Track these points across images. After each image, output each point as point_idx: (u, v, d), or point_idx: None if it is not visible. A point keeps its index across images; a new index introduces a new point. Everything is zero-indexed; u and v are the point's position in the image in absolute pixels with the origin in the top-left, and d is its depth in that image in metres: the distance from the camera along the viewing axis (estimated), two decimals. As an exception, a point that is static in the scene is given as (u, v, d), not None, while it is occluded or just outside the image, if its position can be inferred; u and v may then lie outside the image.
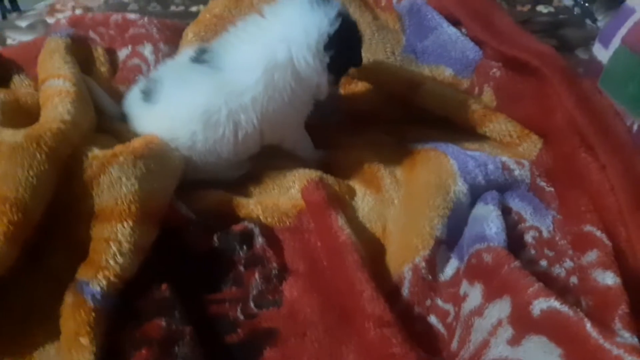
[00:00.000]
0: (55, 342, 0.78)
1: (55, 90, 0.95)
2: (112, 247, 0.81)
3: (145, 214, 0.85)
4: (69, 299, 0.78)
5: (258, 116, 0.99)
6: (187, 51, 1.08)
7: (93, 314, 0.76)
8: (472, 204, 0.98)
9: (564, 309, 0.71)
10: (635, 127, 1.01)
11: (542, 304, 0.73)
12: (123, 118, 1.05)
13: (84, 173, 0.85)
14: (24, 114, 0.96)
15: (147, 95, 1.02)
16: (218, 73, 0.97)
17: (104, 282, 0.78)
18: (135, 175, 0.85)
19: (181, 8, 1.56)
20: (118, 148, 0.87)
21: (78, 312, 0.76)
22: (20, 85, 1.07)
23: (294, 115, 1.04)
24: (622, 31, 1.07)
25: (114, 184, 0.84)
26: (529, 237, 0.94)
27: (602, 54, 1.12)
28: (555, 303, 0.72)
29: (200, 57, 1.00)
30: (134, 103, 1.05)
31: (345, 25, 0.98)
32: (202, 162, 1.02)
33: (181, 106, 0.99)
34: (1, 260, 0.76)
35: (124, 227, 0.82)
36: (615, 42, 1.08)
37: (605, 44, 1.11)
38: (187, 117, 0.98)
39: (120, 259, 0.80)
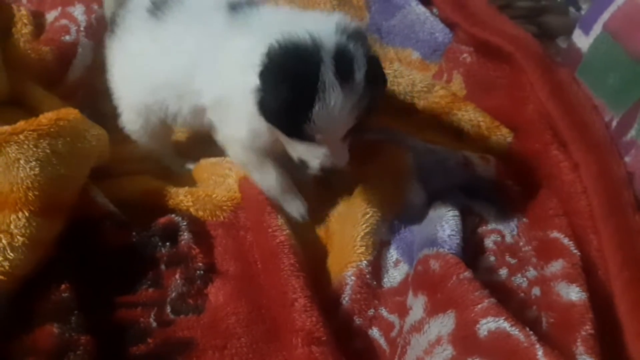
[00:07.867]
0: None
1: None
2: (3, 240, 0.70)
3: (48, 203, 0.74)
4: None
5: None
6: None
7: (-27, 317, 0.66)
8: (429, 203, 0.87)
9: (515, 332, 0.61)
10: (614, 123, 0.91)
11: (491, 324, 0.63)
12: None
13: (-23, 154, 0.74)
14: None
15: (158, 8, 0.84)
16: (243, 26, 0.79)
17: (-11, 281, 0.67)
18: (36, 157, 0.74)
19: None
20: (20, 124, 0.76)
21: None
22: None
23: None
24: (605, 16, 0.96)
25: (10, 167, 0.72)
26: (489, 242, 0.85)
27: (582, 41, 1.01)
28: (505, 324, 0.62)
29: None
30: (135, 10, 0.87)
31: (295, 58, 0.69)
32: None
33: (189, 40, 0.81)
34: None
35: (18, 217, 0.71)
36: (597, 28, 0.98)
37: (586, 30, 1.00)
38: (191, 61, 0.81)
39: (11, 254, 0.69)
